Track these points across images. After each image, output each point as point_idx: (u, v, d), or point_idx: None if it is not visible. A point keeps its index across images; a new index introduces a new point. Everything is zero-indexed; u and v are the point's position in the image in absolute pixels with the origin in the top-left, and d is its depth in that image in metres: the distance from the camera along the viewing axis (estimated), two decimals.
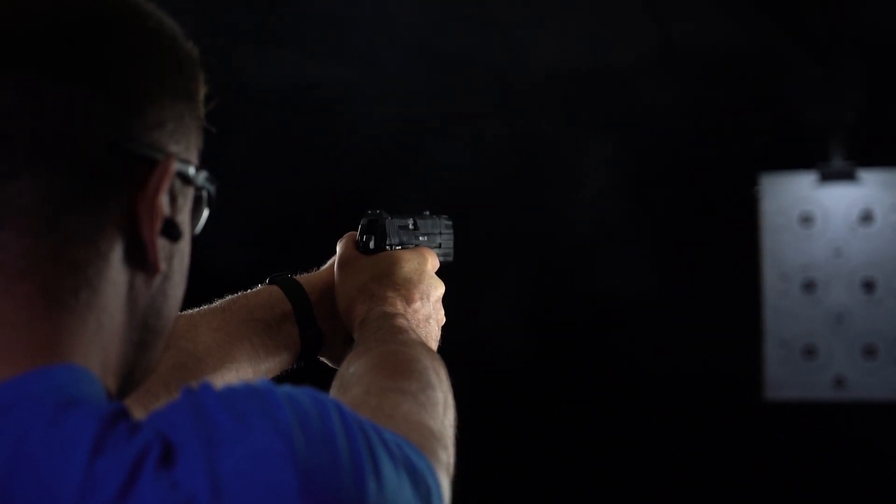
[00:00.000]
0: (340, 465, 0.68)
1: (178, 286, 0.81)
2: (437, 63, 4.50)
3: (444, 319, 1.29)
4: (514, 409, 4.96)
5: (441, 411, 0.92)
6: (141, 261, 0.76)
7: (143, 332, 0.78)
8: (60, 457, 0.64)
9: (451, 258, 1.37)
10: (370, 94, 4.57)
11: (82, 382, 0.70)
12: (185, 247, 0.81)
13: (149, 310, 0.78)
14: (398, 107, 4.56)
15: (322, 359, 1.28)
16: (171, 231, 0.77)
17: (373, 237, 1.27)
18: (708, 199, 4.92)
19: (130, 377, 0.79)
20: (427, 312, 1.25)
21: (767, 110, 4.78)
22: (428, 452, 0.78)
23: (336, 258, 1.28)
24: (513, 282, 4.92)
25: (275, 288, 1.25)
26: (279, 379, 1.23)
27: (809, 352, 4.92)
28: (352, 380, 0.96)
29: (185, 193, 0.79)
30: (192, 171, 0.79)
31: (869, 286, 4.88)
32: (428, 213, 1.35)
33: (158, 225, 0.76)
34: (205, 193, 0.82)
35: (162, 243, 0.77)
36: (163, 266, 0.78)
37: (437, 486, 0.76)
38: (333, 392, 0.96)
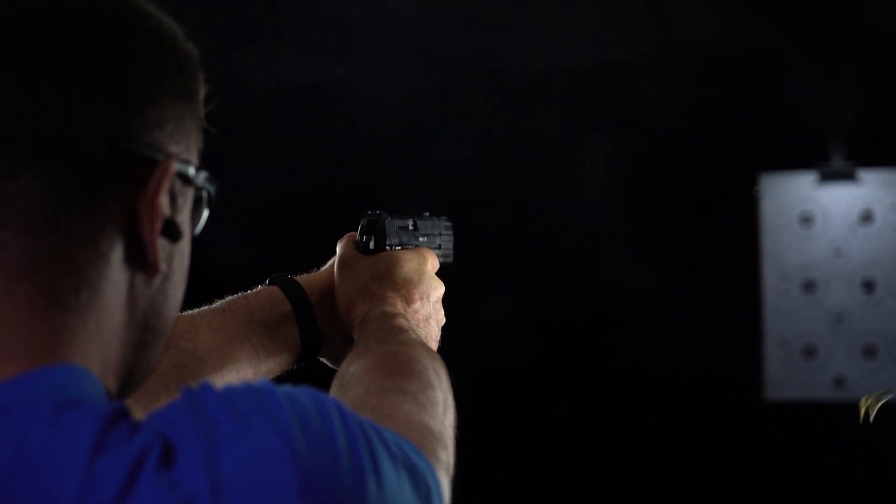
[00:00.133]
0: (340, 465, 0.68)
1: (178, 286, 0.81)
2: (437, 63, 4.50)
3: (444, 320, 1.29)
4: (513, 410, 4.96)
5: (441, 411, 0.92)
6: (141, 261, 0.76)
7: (144, 332, 0.78)
8: (60, 457, 0.64)
9: (450, 259, 1.37)
10: (370, 94, 4.57)
11: (82, 382, 0.70)
12: (185, 247, 0.81)
13: (149, 310, 0.78)
14: (398, 107, 4.56)
15: (322, 359, 1.28)
16: (172, 231, 0.77)
17: (373, 237, 1.27)
18: (708, 199, 4.92)
19: (130, 377, 0.79)
20: (427, 313, 1.25)
21: (767, 110, 4.78)
22: (428, 452, 0.78)
23: (336, 258, 1.28)
24: (513, 282, 4.92)
25: (275, 288, 1.25)
26: (279, 379, 1.23)
27: (809, 352, 4.92)
28: (352, 380, 0.96)
29: (185, 194, 0.79)
30: (192, 171, 0.79)
31: (869, 286, 4.88)
32: (428, 213, 1.35)
33: (158, 225, 0.76)
34: (205, 194, 0.82)
35: (162, 243, 0.77)
36: (163, 266, 0.78)
37: (437, 485, 0.76)
38: (333, 392, 0.96)
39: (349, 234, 1.30)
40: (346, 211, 1.43)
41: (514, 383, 4.98)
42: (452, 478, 0.83)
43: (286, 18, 4.24)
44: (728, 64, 4.56)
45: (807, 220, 4.95)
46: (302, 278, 1.27)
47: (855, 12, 4.36)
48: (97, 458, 0.64)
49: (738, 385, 4.87)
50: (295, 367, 1.25)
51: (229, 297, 1.24)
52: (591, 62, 4.60)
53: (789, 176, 4.97)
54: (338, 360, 1.22)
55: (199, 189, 0.81)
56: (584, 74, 4.69)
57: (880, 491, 4.66)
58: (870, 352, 4.87)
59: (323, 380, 0.95)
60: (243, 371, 1.19)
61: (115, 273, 0.75)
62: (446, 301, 1.29)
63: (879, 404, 1.40)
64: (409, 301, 1.24)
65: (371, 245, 1.27)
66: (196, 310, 1.20)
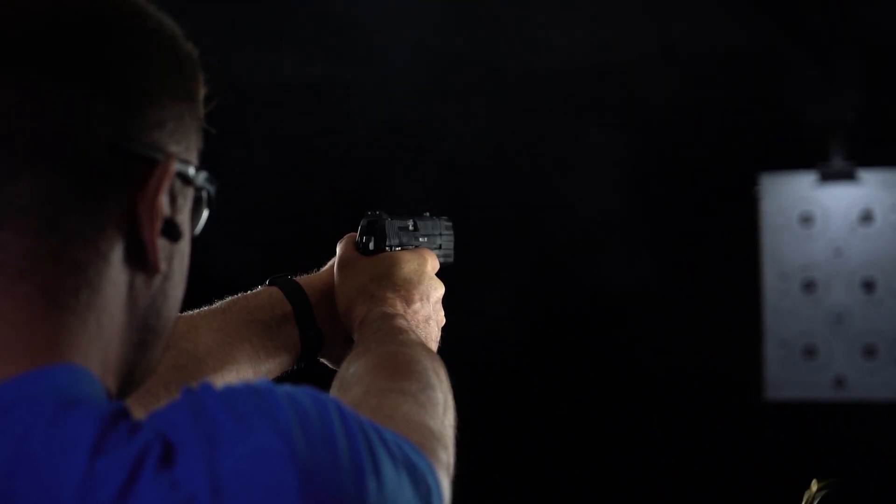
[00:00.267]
0: (340, 465, 0.68)
1: (178, 286, 0.81)
2: (438, 63, 4.50)
3: (444, 320, 1.29)
4: (513, 410, 4.96)
5: (441, 412, 0.92)
6: (141, 261, 0.76)
7: (144, 332, 0.78)
8: (60, 457, 0.64)
9: (451, 259, 1.37)
10: (370, 94, 4.57)
11: (82, 382, 0.70)
12: (185, 247, 0.81)
13: (149, 310, 0.78)
14: (398, 106, 4.56)
15: (322, 360, 1.28)
16: (171, 231, 0.77)
17: (372, 238, 1.27)
18: (708, 199, 4.92)
19: (130, 377, 0.79)
20: (427, 313, 1.25)
21: (767, 110, 4.78)
22: (428, 452, 0.78)
23: (336, 259, 1.28)
24: (513, 281, 4.92)
25: (275, 289, 1.25)
26: (279, 380, 1.23)
27: (809, 352, 4.92)
28: (352, 380, 0.96)
29: (185, 194, 0.79)
30: (192, 171, 0.79)
31: (869, 286, 4.88)
32: (428, 214, 1.35)
33: (158, 225, 0.76)
34: (205, 194, 0.82)
35: (162, 243, 0.77)
36: (163, 266, 0.78)
37: (437, 485, 0.76)
38: (333, 392, 0.96)
39: (349, 234, 1.30)
40: (346, 211, 1.43)
41: (513, 384, 4.98)
42: (452, 478, 0.83)
43: (286, 18, 4.24)
44: (728, 64, 4.56)
45: (807, 220, 4.95)
46: (302, 279, 1.27)
47: (855, 12, 4.36)
48: (97, 458, 0.64)
49: (738, 385, 4.87)
50: (295, 367, 1.25)
51: (229, 298, 1.24)
52: (592, 62, 4.60)
53: (789, 176, 4.97)
54: (338, 361, 1.22)
55: (199, 189, 0.81)
56: (585, 74, 4.69)
57: (880, 491, 4.66)
58: (870, 352, 4.87)
59: (323, 380, 0.95)
60: (243, 371, 1.19)
61: (115, 273, 0.75)
62: (446, 300, 1.29)
63: (821, 494, 1.40)
64: (408, 302, 1.24)
65: (371, 246, 1.27)
66: (196, 310, 1.20)
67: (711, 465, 4.81)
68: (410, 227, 1.31)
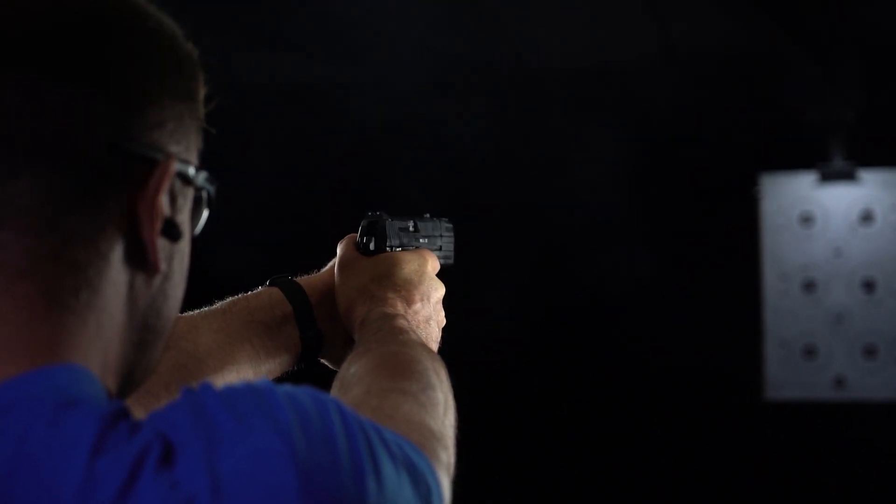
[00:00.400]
0: (340, 465, 0.68)
1: (178, 286, 0.81)
2: (438, 63, 4.50)
3: (445, 321, 1.29)
4: (513, 410, 4.96)
5: (441, 412, 0.92)
6: (141, 261, 0.76)
7: (144, 332, 0.78)
8: (60, 457, 0.64)
9: (451, 260, 1.37)
10: (370, 94, 4.57)
11: (82, 382, 0.70)
12: (185, 247, 0.81)
13: (149, 310, 0.78)
14: (398, 106, 4.56)
15: (322, 360, 1.28)
16: (171, 231, 0.77)
17: (373, 239, 1.27)
18: (708, 199, 4.92)
19: (130, 377, 0.79)
20: (427, 314, 1.25)
21: (767, 110, 4.78)
22: (428, 452, 0.78)
23: (336, 260, 1.28)
24: (513, 281, 4.92)
25: (275, 290, 1.25)
26: (279, 380, 1.23)
27: (809, 352, 4.92)
28: (352, 380, 0.96)
29: (185, 194, 0.79)
30: (192, 171, 0.79)
31: (869, 286, 4.88)
32: (428, 215, 1.35)
33: (158, 225, 0.76)
34: (205, 194, 0.82)
35: (162, 243, 0.77)
36: (163, 266, 0.78)
37: (438, 485, 0.76)
38: (334, 393, 0.96)
39: (349, 235, 1.30)
40: (347, 211, 1.43)
41: (513, 384, 4.99)
42: (453, 478, 0.83)
43: (286, 18, 4.24)
44: (728, 64, 4.56)
45: (807, 220, 4.95)
46: (302, 279, 1.27)
47: (855, 12, 4.36)
48: (97, 458, 0.64)
49: (738, 385, 4.88)
50: (295, 367, 1.25)
51: (230, 298, 1.24)
52: (592, 62, 4.60)
53: (789, 176, 4.97)
54: (338, 362, 1.22)
55: (199, 189, 0.81)
56: (584, 74, 4.69)
57: (880, 491, 4.66)
58: (870, 352, 4.87)
59: (323, 380, 0.95)
60: (243, 372, 1.19)
61: (115, 273, 0.75)
62: (446, 300, 1.29)
63: None
64: (409, 302, 1.24)
65: (371, 246, 1.27)
66: (196, 311, 1.20)
67: (711, 464, 4.81)
68: (411, 228, 1.31)
